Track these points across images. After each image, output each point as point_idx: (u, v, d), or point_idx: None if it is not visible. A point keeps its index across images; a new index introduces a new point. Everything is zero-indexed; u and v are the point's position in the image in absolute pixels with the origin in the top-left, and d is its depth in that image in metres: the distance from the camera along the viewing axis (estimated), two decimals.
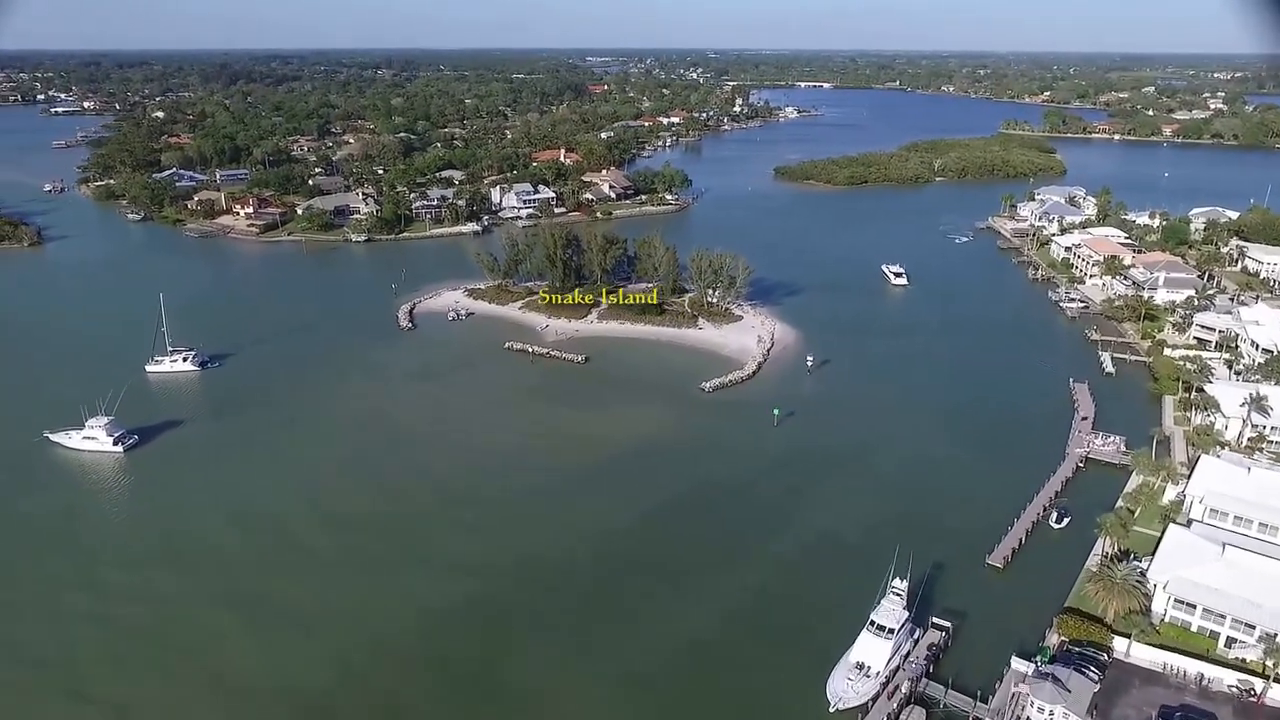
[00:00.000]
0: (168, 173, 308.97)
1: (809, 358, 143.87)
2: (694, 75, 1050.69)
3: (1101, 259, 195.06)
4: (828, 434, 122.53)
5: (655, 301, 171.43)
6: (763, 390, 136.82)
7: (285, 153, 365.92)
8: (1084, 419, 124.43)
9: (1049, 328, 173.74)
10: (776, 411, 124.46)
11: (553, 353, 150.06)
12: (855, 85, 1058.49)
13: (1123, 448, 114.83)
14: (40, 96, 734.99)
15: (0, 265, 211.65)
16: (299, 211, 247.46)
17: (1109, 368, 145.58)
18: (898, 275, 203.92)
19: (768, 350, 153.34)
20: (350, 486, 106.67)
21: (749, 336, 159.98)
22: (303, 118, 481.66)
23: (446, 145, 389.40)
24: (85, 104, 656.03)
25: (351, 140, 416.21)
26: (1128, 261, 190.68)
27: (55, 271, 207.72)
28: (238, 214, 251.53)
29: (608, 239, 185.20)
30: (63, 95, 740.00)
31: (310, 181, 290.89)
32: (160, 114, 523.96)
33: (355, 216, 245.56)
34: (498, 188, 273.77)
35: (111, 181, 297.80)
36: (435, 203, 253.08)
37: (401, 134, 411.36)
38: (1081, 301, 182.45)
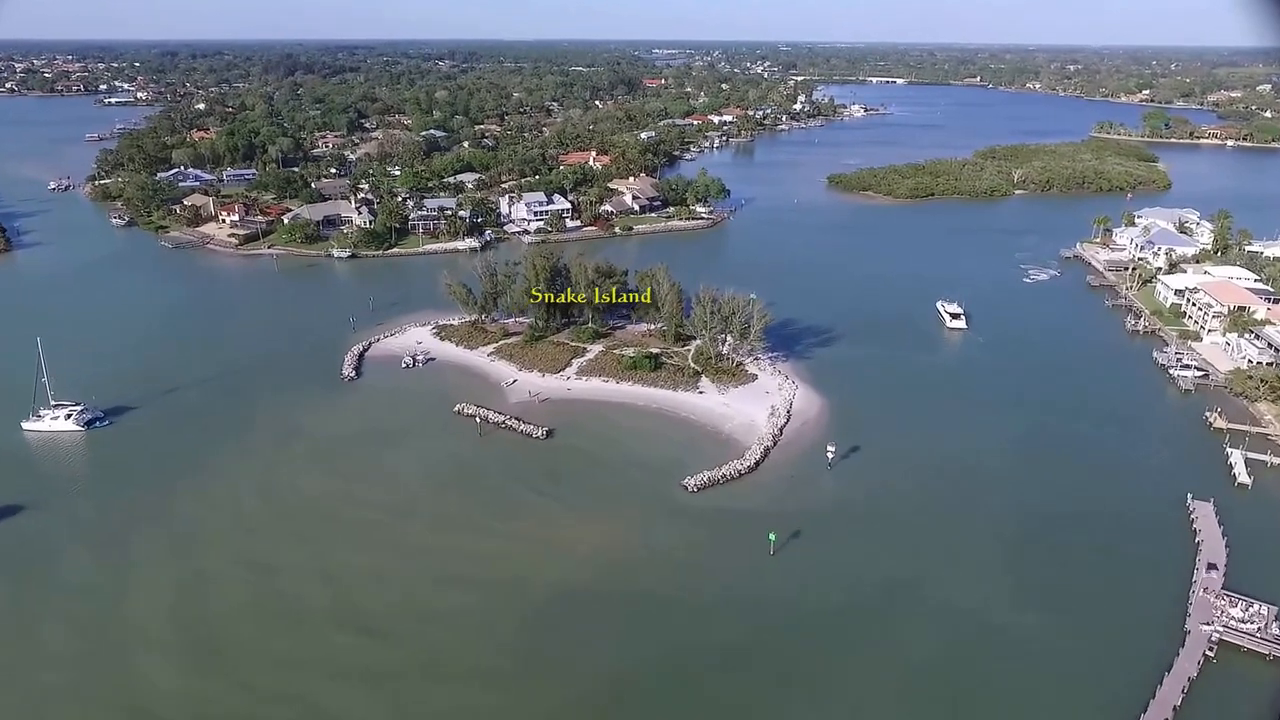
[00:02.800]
0: (172, 172, 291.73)
1: (830, 448, 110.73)
2: (759, 69, 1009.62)
3: (1225, 310, 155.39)
4: (842, 571, 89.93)
5: (650, 354, 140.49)
6: (764, 492, 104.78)
7: (305, 150, 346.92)
8: (1210, 568, 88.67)
9: (1154, 404, 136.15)
10: (773, 537, 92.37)
11: (510, 421, 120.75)
12: (931, 81, 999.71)
13: (1276, 626, 79.39)
14: (103, 87, 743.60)
15: None
16: (285, 220, 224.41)
17: (1243, 477, 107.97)
18: (955, 316, 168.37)
19: (780, 428, 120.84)
20: (201, 621, 79.57)
21: (759, 406, 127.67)
22: (338, 111, 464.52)
23: (475, 144, 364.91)
24: (139, 95, 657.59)
25: (379, 137, 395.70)
26: (1261, 314, 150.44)
27: None
28: (223, 221, 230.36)
29: (601, 271, 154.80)
30: (125, 85, 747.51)
31: (314, 185, 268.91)
32: (201, 105, 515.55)
33: (345, 228, 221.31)
34: (506, 196, 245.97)
35: (110, 180, 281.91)
36: (433, 213, 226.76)
37: (430, 131, 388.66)
38: (1199, 369, 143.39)
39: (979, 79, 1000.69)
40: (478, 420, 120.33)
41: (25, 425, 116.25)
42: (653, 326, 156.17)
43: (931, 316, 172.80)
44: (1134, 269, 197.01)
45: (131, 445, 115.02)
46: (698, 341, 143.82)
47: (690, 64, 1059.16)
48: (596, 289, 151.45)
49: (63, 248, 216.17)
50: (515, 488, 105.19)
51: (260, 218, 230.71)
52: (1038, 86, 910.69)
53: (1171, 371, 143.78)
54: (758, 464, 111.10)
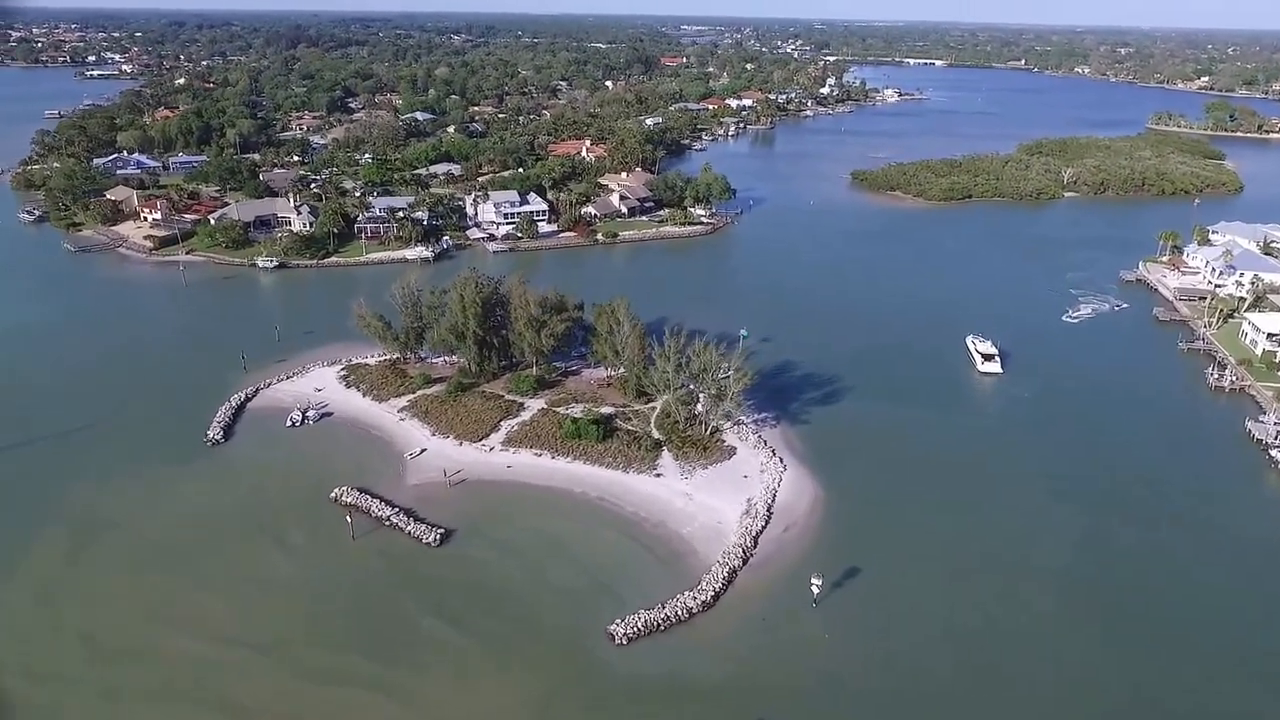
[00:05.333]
0: (110, 158, 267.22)
1: (815, 581, 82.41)
2: (789, 49, 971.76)
3: None
4: None
5: (598, 418, 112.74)
6: (720, 649, 76.90)
7: (270, 134, 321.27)
8: None
9: (1248, 495, 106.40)
10: None
11: (395, 518, 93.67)
12: (973, 64, 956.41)
13: None
14: (91, 58, 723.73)
15: None
16: (211, 221, 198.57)
17: None
18: (989, 358, 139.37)
19: (755, 535, 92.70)
20: None
21: (732, 498, 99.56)
22: (323, 89, 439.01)
23: (461, 129, 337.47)
24: (125, 68, 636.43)
25: (364, 117, 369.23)
26: None
27: None
28: (143, 219, 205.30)
29: (545, 306, 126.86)
30: (116, 57, 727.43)
31: (262, 176, 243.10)
32: (181, 80, 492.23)
33: (279, 231, 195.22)
34: (471, 195, 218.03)
35: (38, 167, 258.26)
36: (382, 215, 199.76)
37: (415, 114, 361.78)
38: None
39: (1023, 62, 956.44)
40: (359, 510, 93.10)
41: None
42: (609, 373, 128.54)
43: (960, 355, 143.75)
44: (1212, 302, 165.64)
45: None
46: (663, 398, 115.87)
47: (718, 42, 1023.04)
48: (540, 329, 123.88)
49: None
50: (369, 627, 78.09)
51: (187, 216, 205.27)
52: (1087, 71, 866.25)
53: (1270, 448, 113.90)
54: (717, 597, 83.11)
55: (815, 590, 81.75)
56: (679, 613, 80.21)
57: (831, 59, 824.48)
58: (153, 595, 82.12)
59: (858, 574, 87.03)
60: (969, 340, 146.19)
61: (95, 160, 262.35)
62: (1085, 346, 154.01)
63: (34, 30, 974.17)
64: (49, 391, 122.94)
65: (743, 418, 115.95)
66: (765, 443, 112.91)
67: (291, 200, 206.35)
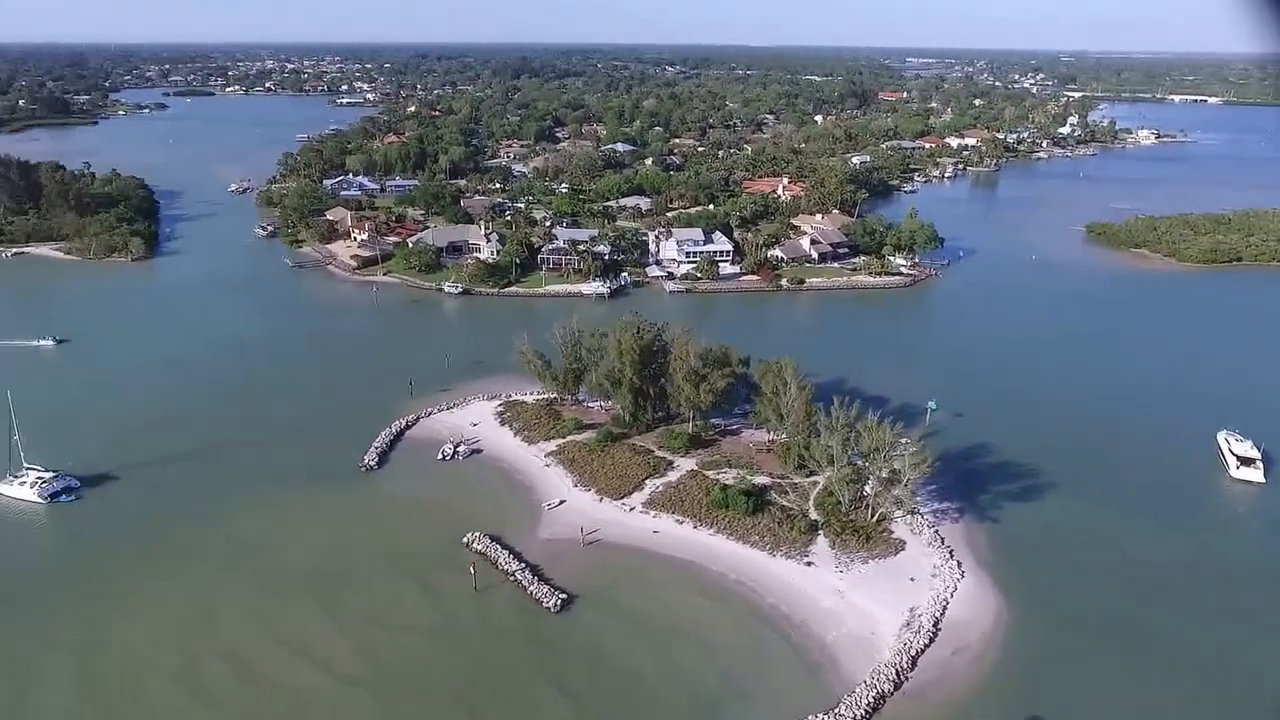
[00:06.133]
0: (337, 180, 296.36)
1: None
2: (1028, 83, 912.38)
3: None
4: None
5: (750, 489, 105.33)
6: None
7: (478, 161, 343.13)
8: None
9: None
10: None
11: (520, 575, 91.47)
12: (1258, 101, 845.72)
13: None
14: (344, 87, 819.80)
15: (65, 285, 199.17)
16: (409, 244, 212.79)
17: None
18: (1246, 461, 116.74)
19: (915, 654, 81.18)
20: None
21: (892, 604, 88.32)
22: (535, 119, 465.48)
23: (658, 161, 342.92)
24: (369, 96, 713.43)
25: (567, 147, 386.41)
26: None
27: (93, 299, 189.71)
28: (352, 239, 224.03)
29: (707, 359, 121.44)
30: (363, 86, 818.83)
31: (462, 202, 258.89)
32: (412, 108, 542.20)
33: (469, 258, 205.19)
34: (654, 232, 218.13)
35: (275, 186, 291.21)
36: (564, 247, 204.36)
37: (615, 145, 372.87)
38: None
39: None
40: (472, 568, 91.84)
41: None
42: (771, 437, 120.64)
43: (1208, 456, 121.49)
44: None
45: (77, 533, 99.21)
46: (826, 475, 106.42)
47: (945, 75, 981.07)
48: (699, 383, 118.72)
49: (194, 259, 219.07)
50: (484, 685, 75.52)
51: (390, 238, 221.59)
52: None
53: None
54: None
55: None
56: None
57: (1076, 95, 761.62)
58: (286, 621, 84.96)
59: None
60: (1221, 438, 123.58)
61: (325, 181, 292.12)
62: None
63: (303, 62, 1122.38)
64: (237, 403, 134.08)
65: (918, 506, 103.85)
66: (942, 540, 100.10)
67: (482, 228, 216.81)
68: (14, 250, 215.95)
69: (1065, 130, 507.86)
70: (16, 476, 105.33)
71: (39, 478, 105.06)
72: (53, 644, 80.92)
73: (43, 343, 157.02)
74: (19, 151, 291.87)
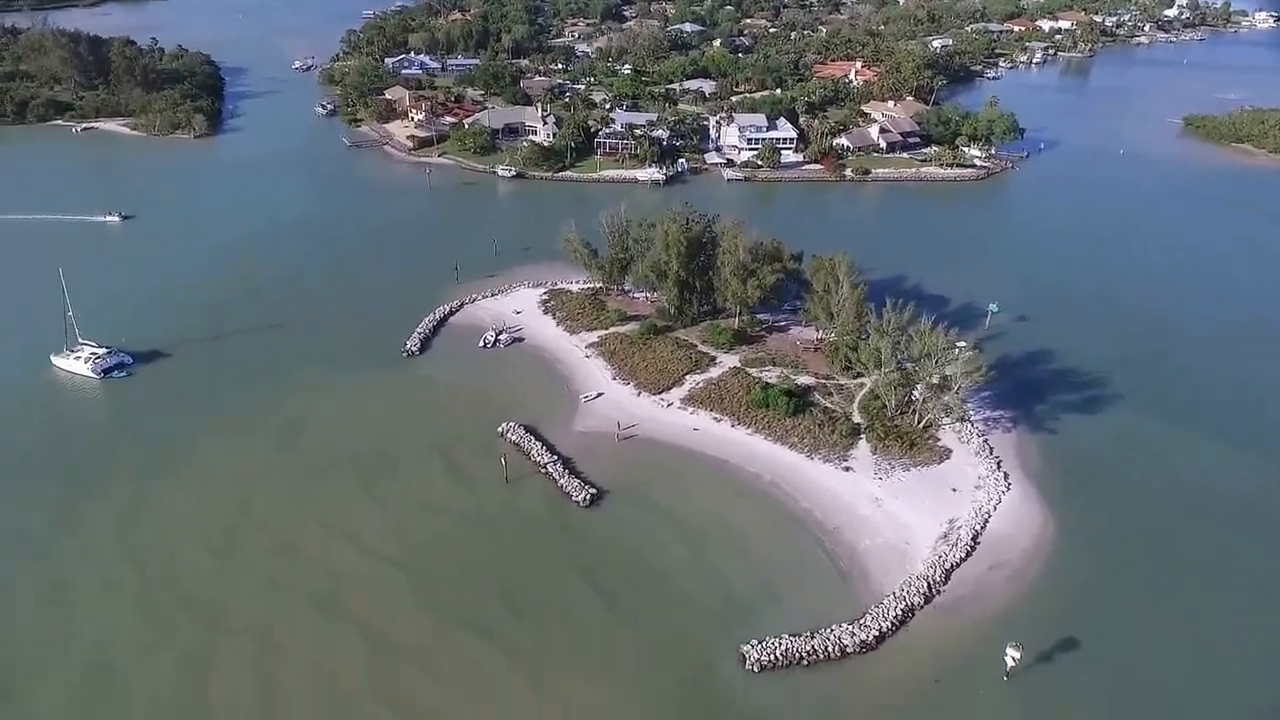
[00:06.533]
0: (399, 58, 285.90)
1: (1012, 652, 65.49)
2: None
3: None
4: None
5: (793, 389, 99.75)
6: (868, 703, 64.23)
7: (541, 40, 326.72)
8: None
9: None
10: None
11: (552, 467, 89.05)
12: None
13: None
14: None
15: (131, 161, 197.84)
16: (466, 125, 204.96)
17: None
18: None
19: (949, 568, 76.66)
20: None
21: (931, 513, 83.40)
22: None
23: (726, 43, 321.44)
24: None
25: (633, 26, 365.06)
26: None
27: (157, 175, 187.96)
28: (410, 119, 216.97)
29: (757, 254, 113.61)
30: None
31: (521, 83, 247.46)
32: None
33: (527, 140, 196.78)
34: (716, 117, 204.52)
35: (338, 64, 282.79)
36: (621, 131, 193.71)
37: (682, 25, 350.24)
38: None
39: None
40: (503, 459, 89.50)
41: (54, 360, 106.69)
42: (820, 336, 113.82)
43: None
44: None
45: (129, 407, 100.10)
46: (873, 378, 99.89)
47: None
48: (747, 278, 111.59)
49: (254, 137, 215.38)
50: (495, 589, 74.15)
51: (447, 119, 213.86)
52: None
53: None
54: (882, 638, 69.55)
55: (1011, 661, 65.28)
56: (830, 648, 67.98)
57: None
58: (324, 500, 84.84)
59: (1074, 650, 68.79)
60: None
61: (386, 60, 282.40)
62: None
63: None
64: (287, 285, 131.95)
65: (968, 414, 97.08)
66: (991, 450, 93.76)
67: (539, 110, 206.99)
68: (83, 125, 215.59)
69: (1171, 13, 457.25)
70: (72, 351, 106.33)
71: (93, 353, 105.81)
72: (95, 515, 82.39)
73: (109, 218, 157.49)
74: (92, 26, 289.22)
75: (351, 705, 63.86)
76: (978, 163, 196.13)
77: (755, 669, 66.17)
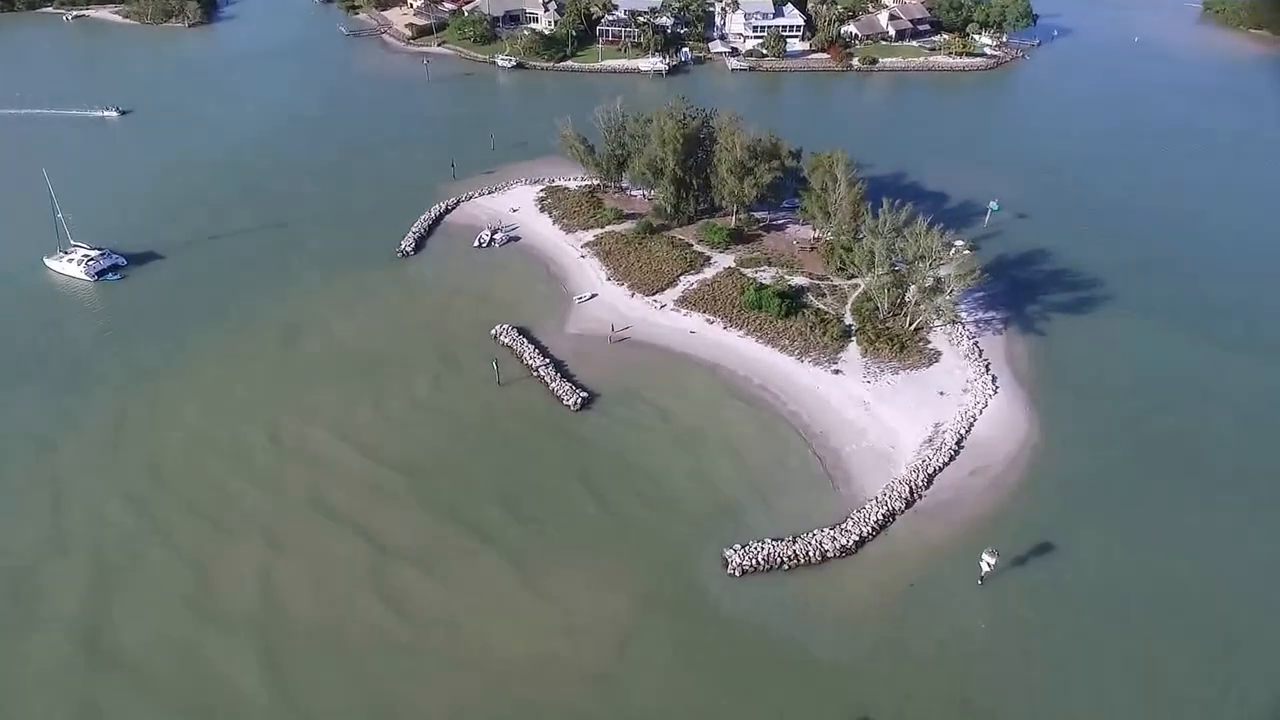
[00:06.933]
0: None
1: (987, 557, 63.86)
2: None
3: None
4: None
5: (786, 290, 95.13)
6: (847, 606, 63.19)
7: None
8: None
9: None
10: None
11: (544, 370, 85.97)
12: None
13: None
14: None
15: (122, 51, 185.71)
16: (466, 13, 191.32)
17: None
18: None
19: (931, 472, 74.31)
20: None
21: (917, 417, 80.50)
22: None
23: None
24: None
25: None
26: None
27: (146, 67, 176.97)
28: (409, 6, 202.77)
29: (755, 151, 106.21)
30: None
31: None
32: None
33: (526, 29, 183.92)
34: (720, 3, 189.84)
35: None
36: (623, 19, 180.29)
37: None
38: None
39: None
40: (495, 363, 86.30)
41: (48, 262, 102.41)
42: (816, 235, 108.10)
43: None
44: None
45: (120, 311, 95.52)
46: (866, 279, 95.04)
47: None
48: (743, 176, 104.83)
49: (250, 25, 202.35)
50: (489, 493, 72.56)
51: (446, 5, 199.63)
52: None
53: None
54: (862, 543, 68.05)
55: (986, 566, 63.77)
56: (810, 553, 66.50)
57: None
58: (319, 403, 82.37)
59: (1049, 555, 67.08)
60: None
61: None
62: None
63: None
64: (281, 182, 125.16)
65: (960, 316, 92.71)
66: (980, 352, 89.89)
67: None
68: (75, 13, 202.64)
69: None
70: (65, 253, 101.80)
71: (85, 255, 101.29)
72: (93, 416, 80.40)
73: (108, 113, 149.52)
74: None
75: (349, 599, 63.44)
76: (988, 51, 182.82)
77: (737, 573, 64.91)
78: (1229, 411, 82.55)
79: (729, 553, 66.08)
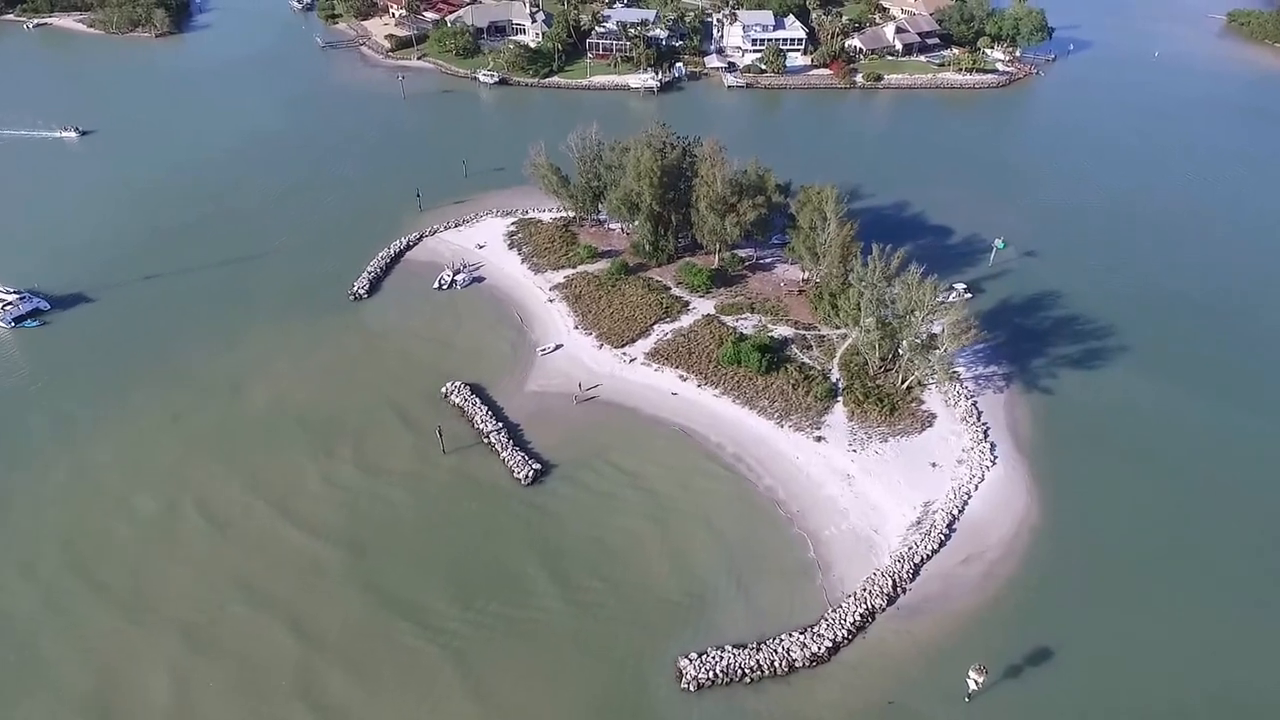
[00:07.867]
0: None
1: (974, 675, 57.54)
2: None
3: None
4: None
5: (767, 342, 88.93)
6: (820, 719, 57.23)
7: None
8: None
9: None
10: None
11: (494, 437, 79.86)
12: None
13: None
14: None
15: (85, 64, 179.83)
16: (449, 24, 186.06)
17: None
18: None
19: (919, 561, 68.06)
20: None
21: (905, 495, 74.20)
22: None
23: None
24: None
25: None
26: None
27: (109, 82, 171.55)
28: (390, 16, 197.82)
29: (738, 187, 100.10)
30: None
31: None
32: None
33: (512, 41, 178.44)
34: (719, 14, 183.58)
35: None
36: (614, 31, 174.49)
37: None
38: None
39: None
40: (438, 430, 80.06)
41: None
42: (805, 276, 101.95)
43: None
44: None
45: (37, 362, 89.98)
46: (854, 334, 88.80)
47: None
48: (725, 214, 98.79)
49: (221, 36, 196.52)
50: (436, 577, 66.88)
51: (428, 15, 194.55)
52: None
53: None
54: (836, 648, 61.87)
55: (973, 684, 57.46)
56: (777, 663, 60.39)
57: None
58: (251, 466, 77.09)
59: (1043, 666, 60.82)
60: None
61: None
62: None
63: None
64: (235, 214, 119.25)
65: (956, 375, 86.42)
66: (979, 415, 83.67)
67: (527, 5, 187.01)
68: (36, 21, 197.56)
69: None
70: None
71: (1, 299, 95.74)
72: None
73: (66, 133, 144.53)
74: None
75: (272, 711, 57.84)
76: (1000, 67, 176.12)
77: (692, 687, 58.88)
78: (1246, 486, 76.05)
79: (684, 663, 60.04)
